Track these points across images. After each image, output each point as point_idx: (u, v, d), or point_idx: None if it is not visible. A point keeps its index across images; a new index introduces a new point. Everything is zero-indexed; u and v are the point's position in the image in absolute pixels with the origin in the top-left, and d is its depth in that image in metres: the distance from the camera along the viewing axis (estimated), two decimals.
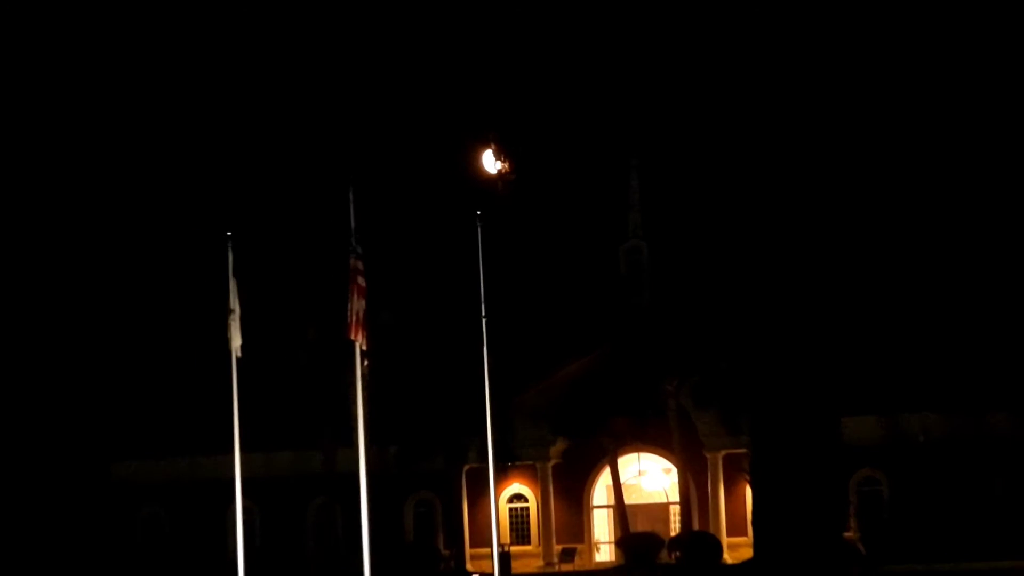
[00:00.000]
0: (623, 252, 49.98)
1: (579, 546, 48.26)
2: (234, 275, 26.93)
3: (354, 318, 26.11)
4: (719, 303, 41.22)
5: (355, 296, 25.80)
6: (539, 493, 48.04)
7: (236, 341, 26.84)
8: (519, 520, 49.02)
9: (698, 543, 45.58)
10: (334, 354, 37.68)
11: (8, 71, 48.04)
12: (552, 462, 46.87)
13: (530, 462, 47.05)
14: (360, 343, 26.01)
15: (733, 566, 43.56)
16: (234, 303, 26.68)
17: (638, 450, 48.32)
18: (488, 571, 41.52)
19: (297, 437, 46.58)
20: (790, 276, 33.87)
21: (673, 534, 47.12)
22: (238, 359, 26.60)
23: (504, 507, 48.40)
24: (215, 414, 38.36)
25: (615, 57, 45.76)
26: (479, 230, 28.72)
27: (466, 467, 46.85)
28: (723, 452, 45.64)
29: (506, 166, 39.02)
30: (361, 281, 26.56)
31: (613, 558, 48.10)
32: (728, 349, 41.00)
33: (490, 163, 40.98)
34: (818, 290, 33.91)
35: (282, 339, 42.06)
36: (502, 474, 45.13)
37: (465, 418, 41.77)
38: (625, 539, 46.82)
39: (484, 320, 28.59)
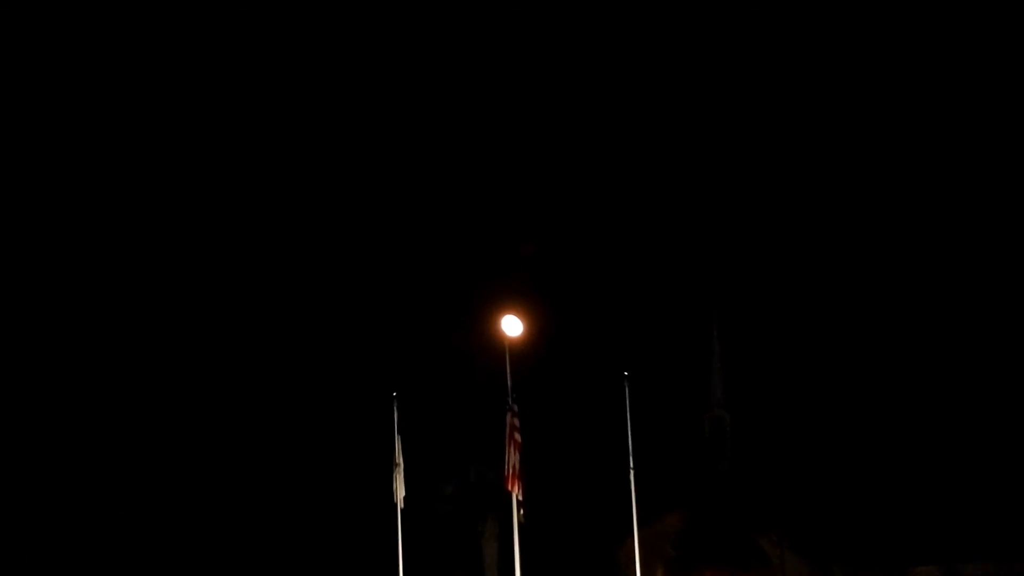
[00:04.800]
0: (707, 420, 53.51)
1: None
2: (399, 432, 32.51)
3: (511, 471, 30.21)
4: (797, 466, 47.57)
5: (511, 450, 30.20)
6: None
7: (400, 492, 32.08)
8: None
9: None
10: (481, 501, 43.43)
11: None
12: None
13: None
14: (517, 494, 30.60)
15: None
16: (399, 458, 31.99)
17: None
18: None
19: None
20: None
21: None
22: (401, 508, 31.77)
23: None
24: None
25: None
26: (627, 390, 32.13)
27: None
28: None
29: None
30: (517, 436, 31.05)
31: None
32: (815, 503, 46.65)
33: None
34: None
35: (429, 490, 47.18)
36: None
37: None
38: None
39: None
